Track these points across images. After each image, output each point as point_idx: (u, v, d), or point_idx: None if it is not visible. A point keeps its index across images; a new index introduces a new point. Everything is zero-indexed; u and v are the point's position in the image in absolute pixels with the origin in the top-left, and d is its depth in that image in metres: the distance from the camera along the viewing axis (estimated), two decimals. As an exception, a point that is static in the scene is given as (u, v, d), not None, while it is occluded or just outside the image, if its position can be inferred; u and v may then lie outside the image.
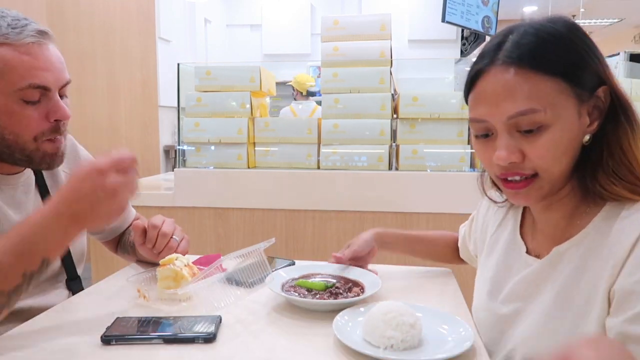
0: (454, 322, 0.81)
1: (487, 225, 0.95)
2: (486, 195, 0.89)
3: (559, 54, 0.67)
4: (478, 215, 1.01)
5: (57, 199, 0.77)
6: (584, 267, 0.70)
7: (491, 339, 0.82)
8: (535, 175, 0.70)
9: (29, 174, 0.97)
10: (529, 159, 0.69)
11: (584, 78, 0.68)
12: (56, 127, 0.87)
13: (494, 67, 0.69)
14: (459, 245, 1.12)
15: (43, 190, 1.00)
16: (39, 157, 0.87)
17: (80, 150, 1.11)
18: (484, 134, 0.73)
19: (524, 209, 0.87)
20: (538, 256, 0.79)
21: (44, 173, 1.01)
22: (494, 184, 0.84)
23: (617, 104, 0.70)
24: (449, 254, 1.15)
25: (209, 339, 0.76)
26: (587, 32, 0.70)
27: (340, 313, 0.82)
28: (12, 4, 2.47)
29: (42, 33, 0.84)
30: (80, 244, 1.07)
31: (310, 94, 4.13)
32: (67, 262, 1.03)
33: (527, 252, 0.82)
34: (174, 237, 1.01)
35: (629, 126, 0.69)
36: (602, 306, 0.67)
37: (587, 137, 0.70)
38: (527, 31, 0.69)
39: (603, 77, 0.69)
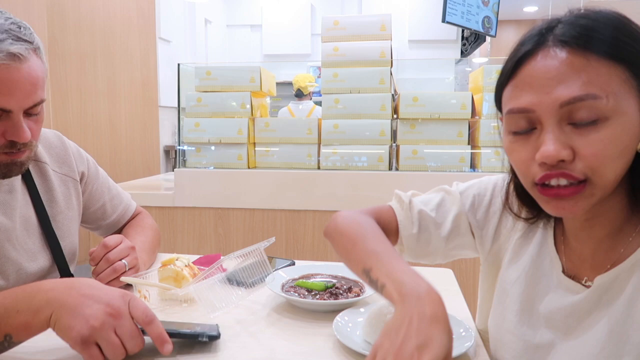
0: (454, 322, 0.80)
1: (509, 222, 0.80)
2: (511, 211, 0.76)
3: (622, 39, 0.57)
4: (494, 197, 0.83)
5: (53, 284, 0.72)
6: (637, 296, 0.61)
7: None
8: (584, 181, 0.58)
9: None
10: (580, 158, 0.57)
11: None
12: (12, 144, 0.85)
13: (543, 49, 0.59)
14: (409, 225, 0.85)
15: (32, 189, 1.00)
16: None
17: (69, 147, 1.10)
18: (524, 130, 0.61)
19: (556, 218, 0.74)
20: (572, 277, 0.68)
21: (32, 171, 1.01)
22: (521, 200, 0.73)
23: None
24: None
25: (213, 336, 0.76)
26: None
27: (340, 313, 0.82)
28: (12, 4, 2.47)
29: (12, 56, 0.80)
30: (72, 243, 1.07)
31: (298, 94, 4.09)
32: (60, 261, 1.02)
33: (563, 271, 0.70)
34: (124, 261, 0.97)
35: None
36: None
37: None
38: (580, 14, 0.59)
39: None
